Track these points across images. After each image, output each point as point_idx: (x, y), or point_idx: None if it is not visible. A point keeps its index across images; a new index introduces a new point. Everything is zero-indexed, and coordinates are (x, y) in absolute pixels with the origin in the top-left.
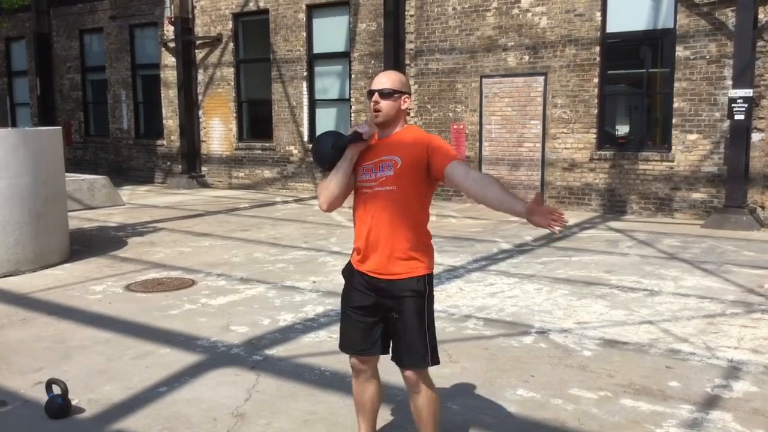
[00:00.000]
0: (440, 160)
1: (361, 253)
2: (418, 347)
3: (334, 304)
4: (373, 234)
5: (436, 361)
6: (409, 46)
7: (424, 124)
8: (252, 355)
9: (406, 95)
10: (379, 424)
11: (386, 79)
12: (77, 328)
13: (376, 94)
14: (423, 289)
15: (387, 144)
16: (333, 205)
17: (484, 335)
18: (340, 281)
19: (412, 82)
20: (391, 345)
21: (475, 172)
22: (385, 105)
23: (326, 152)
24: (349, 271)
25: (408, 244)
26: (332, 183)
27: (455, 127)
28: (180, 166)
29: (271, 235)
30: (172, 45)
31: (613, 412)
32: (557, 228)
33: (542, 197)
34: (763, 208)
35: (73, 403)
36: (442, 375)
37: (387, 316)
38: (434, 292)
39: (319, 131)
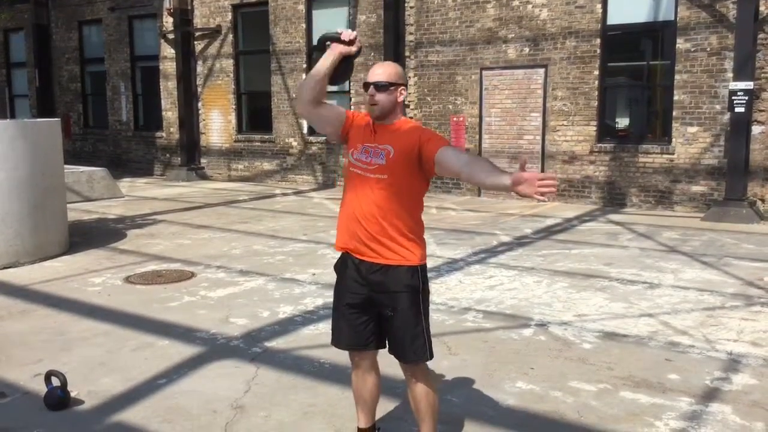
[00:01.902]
0: (431, 147)
1: (348, 230)
2: (415, 342)
3: None
4: (360, 211)
5: (431, 355)
6: (409, 38)
7: (424, 116)
8: (251, 347)
9: (402, 87)
10: (378, 415)
11: (382, 71)
12: (76, 320)
13: (372, 86)
14: (417, 283)
15: (383, 132)
16: (302, 99)
17: (484, 328)
18: None
19: (411, 74)
20: (387, 339)
21: (465, 154)
22: (381, 97)
23: (317, 48)
24: (341, 265)
25: (396, 226)
26: (308, 75)
27: (455, 119)
28: (179, 158)
29: (271, 228)
30: (171, 36)
31: (612, 405)
32: (544, 197)
33: (526, 164)
34: (763, 201)
35: (73, 394)
36: (441, 367)
37: (380, 312)
38: (430, 286)
39: None
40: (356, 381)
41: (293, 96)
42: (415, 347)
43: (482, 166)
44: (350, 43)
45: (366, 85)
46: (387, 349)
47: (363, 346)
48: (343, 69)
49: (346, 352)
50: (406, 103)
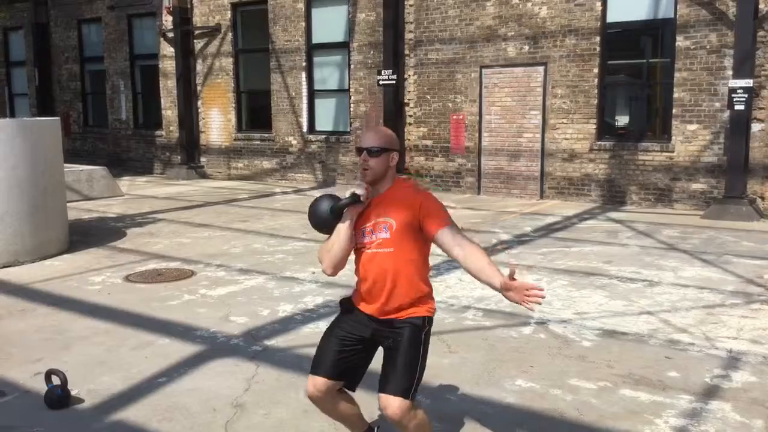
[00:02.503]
0: (431, 223)
1: (364, 301)
2: (406, 375)
3: (334, 294)
4: (375, 290)
5: (412, 398)
6: (408, 36)
7: (424, 114)
8: (251, 345)
9: (395, 152)
10: (376, 413)
11: (375, 137)
12: (76, 319)
13: (365, 152)
14: (421, 323)
15: (380, 204)
16: (337, 268)
17: (484, 326)
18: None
19: (411, 72)
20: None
21: (463, 238)
22: (374, 163)
23: (324, 217)
24: (349, 304)
25: (409, 299)
26: (335, 246)
27: (455, 117)
28: (179, 157)
29: (270, 226)
30: (170, 35)
31: (612, 403)
32: (531, 306)
33: (516, 271)
34: (762, 198)
35: (73, 393)
36: (441, 366)
37: (377, 345)
38: (430, 284)
39: (318, 122)
40: (327, 411)
41: (293, 94)
42: (400, 379)
43: (477, 259)
44: (367, 198)
45: (359, 150)
46: (378, 388)
47: (338, 375)
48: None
49: None
50: (405, 101)
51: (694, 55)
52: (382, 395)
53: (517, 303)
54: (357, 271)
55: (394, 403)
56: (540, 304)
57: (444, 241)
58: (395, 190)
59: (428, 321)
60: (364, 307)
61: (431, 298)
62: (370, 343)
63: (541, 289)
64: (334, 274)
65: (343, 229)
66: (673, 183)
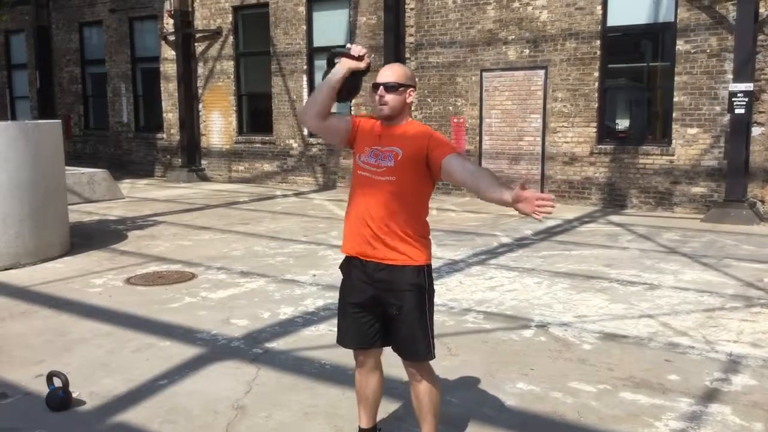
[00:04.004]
0: (439, 152)
1: (355, 232)
2: (420, 341)
3: (335, 297)
4: (368, 213)
5: (434, 354)
6: (409, 39)
7: (424, 117)
8: (252, 348)
9: (411, 88)
10: (380, 416)
11: (391, 72)
12: (78, 321)
13: (381, 87)
14: (423, 283)
15: (391, 134)
16: (318, 116)
17: (484, 329)
18: (340, 275)
19: None
20: (392, 337)
21: (471, 164)
22: (390, 98)
23: (327, 64)
24: (347, 265)
25: (403, 227)
26: (317, 95)
27: (455, 120)
28: (180, 160)
29: (271, 229)
30: (171, 38)
31: (612, 405)
32: (540, 216)
33: (528, 184)
34: (763, 202)
35: (74, 395)
36: (442, 368)
37: (386, 311)
38: (434, 285)
39: None
40: (360, 380)
41: (294, 98)
42: (419, 346)
43: (486, 178)
44: (359, 58)
45: (375, 86)
46: (392, 348)
47: (368, 345)
48: (351, 85)
49: (346, 353)
50: None
51: (695, 58)
52: (407, 363)
53: (527, 214)
54: (351, 198)
55: (421, 369)
56: (551, 213)
57: (451, 166)
58: (408, 126)
59: (428, 272)
60: (357, 247)
61: (428, 243)
62: (377, 302)
63: (552, 198)
64: (313, 125)
65: (329, 76)
66: (674, 186)
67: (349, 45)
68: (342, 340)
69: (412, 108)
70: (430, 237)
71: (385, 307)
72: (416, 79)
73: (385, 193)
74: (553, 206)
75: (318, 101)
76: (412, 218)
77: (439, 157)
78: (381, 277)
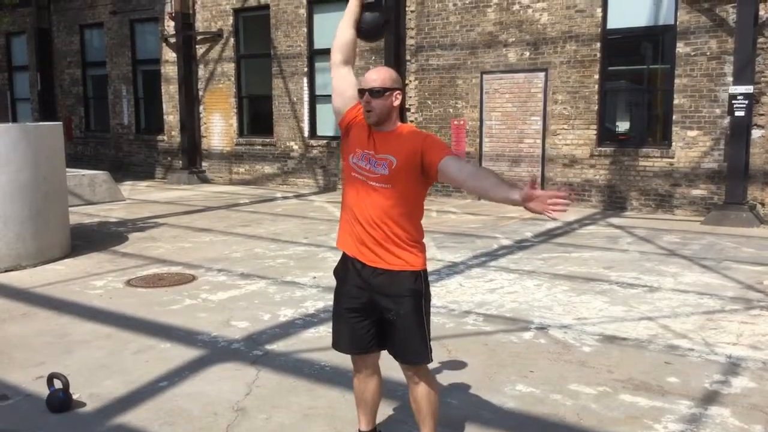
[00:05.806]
0: (434, 156)
1: (350, 233)
2: (417, 345)
3: None
4: (363, 215)
5: (431, 357)
6: (409, 41)
7: (425, 119)
8: (252, 350)
9: (398, 91)
10: (379, 419)
11: (376, 76)
12: (78, 323)
13: (366, 93)
14: (420, 287)
15: (383, 141)
16: (334, 44)
17: (484, 331)
18: None
19: (412, 77)
20: (389, 341)
21: (469, 165)
22: (376, 104)
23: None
24: (342, 269)
25: (399, 233)
26: (339, 29)
27: (456, 123)
28: (180, 162)
29: (272, 231)
30: (172, 40)
31: (612, 408)
32: (554, 214)
33: (537, 180)
34: (763, 204)
35: (75, 397)
36: (441, 370)
37: (382, 316)
38: (431, 289)
39: (319, 127)
40: (358, 384)
41: (294, 100)
42: (417, 350)
43: (489, 178)
44: None
45: (361, 92)
46: (388, 350)
47: (364, 350)
48: (370, 20)
49: (347, 356)
50: (406, 107)
51: (695, 61)
52: (405, 366)
53: (539, 213)
54: (345, 197)
55: (419, 371)
56: (565, 212)
57: (449, 168)
58: (400, 130)
59: (424, 276)
60: (352, 247)
61: (423, 247)
62: (373, 307)
63: (567, 195)
64: (334, 58)
65: (348, 8)
66: (674, 189)
67: None
68: (337, 345)
69: (413, 110)
70: (426, 240)
71: (382, 311)
72: (412, 82)
73: (380, 198)
74: (568, 203)
75: (339, 29)
76: (408, 222)
77: (435, 161)
78: (378, 282)
